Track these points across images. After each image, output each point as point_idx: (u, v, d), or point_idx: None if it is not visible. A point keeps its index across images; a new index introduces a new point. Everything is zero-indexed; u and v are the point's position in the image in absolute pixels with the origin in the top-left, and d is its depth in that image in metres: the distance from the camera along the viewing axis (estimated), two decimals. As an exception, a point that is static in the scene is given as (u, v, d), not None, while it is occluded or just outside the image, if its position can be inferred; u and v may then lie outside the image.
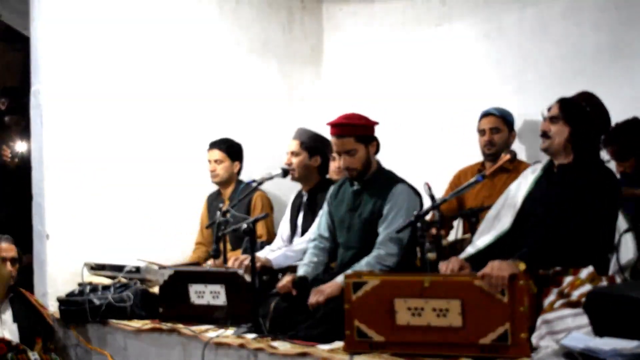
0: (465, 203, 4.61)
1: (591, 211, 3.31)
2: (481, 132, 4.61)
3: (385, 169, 3.99)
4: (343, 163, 3.88)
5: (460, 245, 4.03)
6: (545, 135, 3.50)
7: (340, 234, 4.02)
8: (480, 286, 3.09)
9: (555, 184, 3.48)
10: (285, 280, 3.90)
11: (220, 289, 4.02)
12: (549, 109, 3.55)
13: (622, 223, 3.46)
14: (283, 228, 4.67)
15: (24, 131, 5.62)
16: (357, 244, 3.90)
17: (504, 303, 3.06)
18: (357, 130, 3.88)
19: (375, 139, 3.93)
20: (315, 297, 3.64)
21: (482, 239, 3.57)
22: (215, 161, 5.13)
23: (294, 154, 4.57)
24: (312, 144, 4.56)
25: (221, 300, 4.02)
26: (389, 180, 3.91)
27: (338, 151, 3.90)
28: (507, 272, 3.06)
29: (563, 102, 3.51)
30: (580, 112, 3.47)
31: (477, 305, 3.09)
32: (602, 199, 3.35)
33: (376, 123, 3.95)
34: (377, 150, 3.95)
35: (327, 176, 4.64)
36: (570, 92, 3.76)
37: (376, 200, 3.86)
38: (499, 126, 4.56)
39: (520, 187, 3.63)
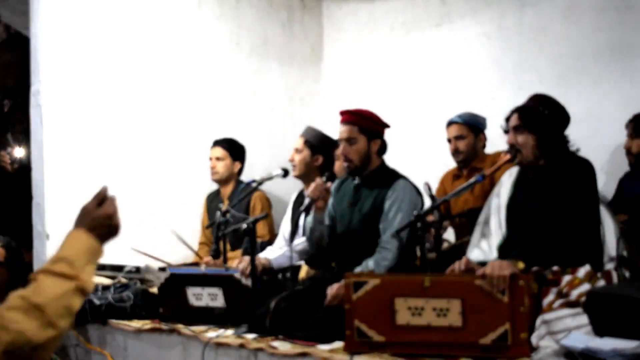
0: (451, 207, 4.63)
1: (574, 205, 3.31)
2: (448, 141, 4.65)
3: (387, 167, 3.99)
4: (341, 150, 3.90)
5: (460, 248, 4.03)
6: (512, 147, 3.49)
7: (340, 228, 4.02)
8: (481, 286, 3.09)
9: (534, 187, 3.48)
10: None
11: (217, 291, 4.01)
12: (508, 119, 3.53)
13: (606, 217, 3.46)
14: (284, 228, 4.67)
15: (26, 131, 5.61)
16: (358, 240, 3.90)
17: (504, 303, 3.06)
18: (363, 121, 3.89)
19: (380, 138, 3.92)
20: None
21: (488, 250, 3.55)
22: (217, 158, 5.14)
23: (297, 150, 4.61)
24: (315, 142, 4.58)
25: (219, 302, 4.01)
26: (391, 176, 3.91)
27: (340, 138, 3.91)
28: (507, 271, 3.06)
29: (522, 112, 3.48)
30: (540, 118, 3.43)
31: (477, 305, 3.09)
32: (582, 190, 3.35)
33: (387, 125, 3.96)
34: (381, 151, 3.94)
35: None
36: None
37: (377, 195, 3.86)
38: (462, 133, 4.58)
39: (500, 194, 3.63)
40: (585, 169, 3.40)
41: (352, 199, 3.97)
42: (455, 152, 4.61)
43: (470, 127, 4.59)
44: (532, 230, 3.35)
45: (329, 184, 3.95)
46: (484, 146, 4.64)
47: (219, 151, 5.14)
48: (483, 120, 4.64)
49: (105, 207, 2.08)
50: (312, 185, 3.95)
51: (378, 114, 3.99)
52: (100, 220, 2.09)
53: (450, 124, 4.65)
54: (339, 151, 3.97)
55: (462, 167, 4.65)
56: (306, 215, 4.52)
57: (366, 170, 3.92)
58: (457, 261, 3.43)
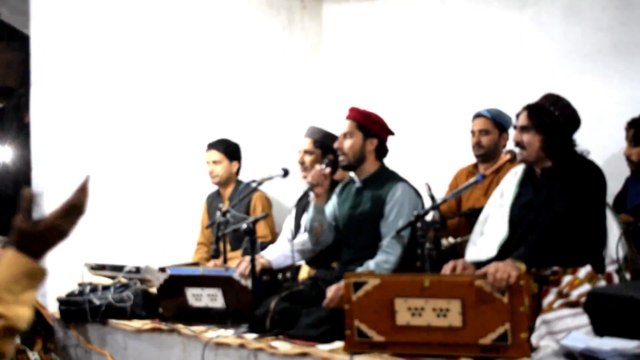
0: (462, 204, 4.61)
1: (580, 208, 3.29)
2: (472, 133, 4.61)
3: (388, 169, 4.00)
4: (337, 144, 3.94)
5: (460, 246, 4.03)
6: (518, 145, 3.47)
7: (342, 230, 4.03)
8: (481, 286, 3.08)
9: (541, 188, 3.45)
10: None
11: (217, 291, 4.01)
12: (517, 116, 3.51)
13: (612, 222, 3.45)
14: (287, 227, 4.65)
15: (23, 130, 5.61)
16: (358, 242, 3.91)
17: (504, 303, 3.05)
18: (361, 118, 3.91)
19: (377, 138, 3.92)
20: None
21: (487, 247, 3.53)
22: (214, 162, 5.12)
23: (307, 152, 4.53)
24: (325, 142, 4.52)
25: (219, 302, 4.01)
26: (390, 179, 3.92)
27: (339, 133, 3.96)
28: (512, 271, 3.04)
29: (531, 110, 3.44)
30: (550, 119, 3.40)
31: (477, 305, 3.09)
32: (589, 194, 3.33)
33: (390, 131, 3.97)
34: (380, 153, 3.95)
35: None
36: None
37: (377, 199, 3.87)
38: (488, 128, 4.52)
39: (504, 193, 3.61)
40: (594, 172, 3.38)
41: (353, 202, 3.98)
42: (477, 146, 4.55)
43: (496, 123, 4.51)
44: (537, 230, 3.34)
45: (327, 169, 3.96)
46: (504, 146, 4.54)
47: (215, 154, 5.11)
48: (509, 119, 4.50)
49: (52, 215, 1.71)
50: (312, 171, 3.98)
51: (381, 115, 3.99)
52: (30, 232, 1.70)
53: (476, 116, 4.59)
54: (336, 145, 3.99)
55: (480, 163, 4.58)
56: (307, 211, 4.52)
57: (359, 167, 3.94)
58: (453, 260, 3.42)
